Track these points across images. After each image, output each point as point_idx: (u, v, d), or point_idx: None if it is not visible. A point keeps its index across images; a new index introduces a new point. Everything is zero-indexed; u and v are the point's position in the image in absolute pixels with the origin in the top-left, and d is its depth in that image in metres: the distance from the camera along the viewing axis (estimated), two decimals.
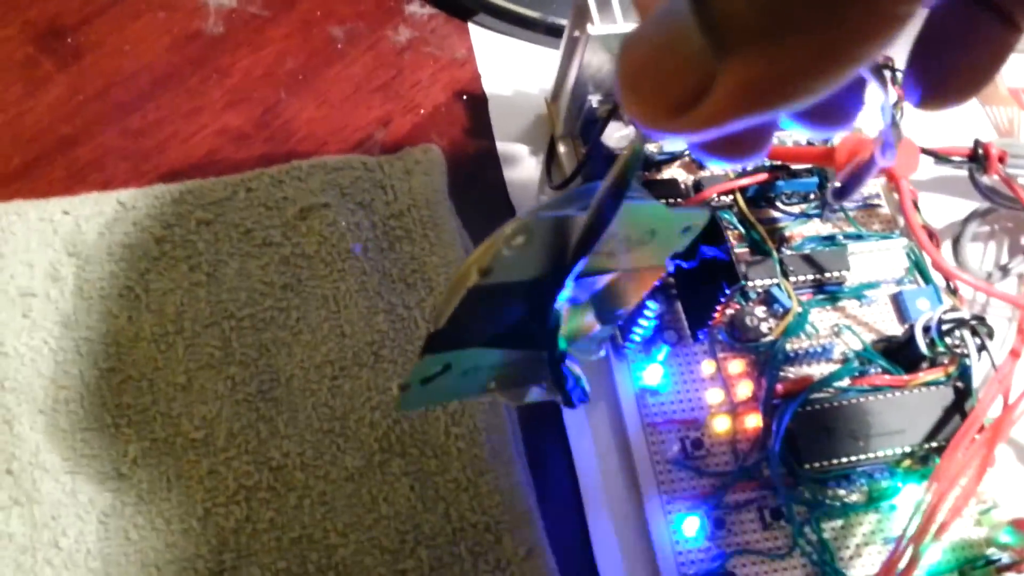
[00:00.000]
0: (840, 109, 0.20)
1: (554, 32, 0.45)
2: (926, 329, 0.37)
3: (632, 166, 0.22)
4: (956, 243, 0.43)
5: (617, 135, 0.38)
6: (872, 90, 0.20)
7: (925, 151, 0.38)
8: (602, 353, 0.32)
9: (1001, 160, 0.38)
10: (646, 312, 0.35)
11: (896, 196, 0.41)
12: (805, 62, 0.15)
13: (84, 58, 0.43)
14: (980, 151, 0.39)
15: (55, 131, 0.41)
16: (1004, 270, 0.43)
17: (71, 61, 0.43)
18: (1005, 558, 0.36)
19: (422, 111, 0.44)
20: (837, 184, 0.33)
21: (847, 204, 0.42)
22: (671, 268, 0.37)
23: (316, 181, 0.39)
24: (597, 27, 0.36)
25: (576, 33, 0.37)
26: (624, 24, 0.36)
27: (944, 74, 0.21)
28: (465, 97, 0.44)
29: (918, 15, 0.15)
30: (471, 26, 0.46)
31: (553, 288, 0.25)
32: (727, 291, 0.34)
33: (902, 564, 0.33)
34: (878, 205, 0.42)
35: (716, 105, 0.16)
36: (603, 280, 0.27)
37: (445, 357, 0.25)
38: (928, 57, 0.21)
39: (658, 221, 0.26)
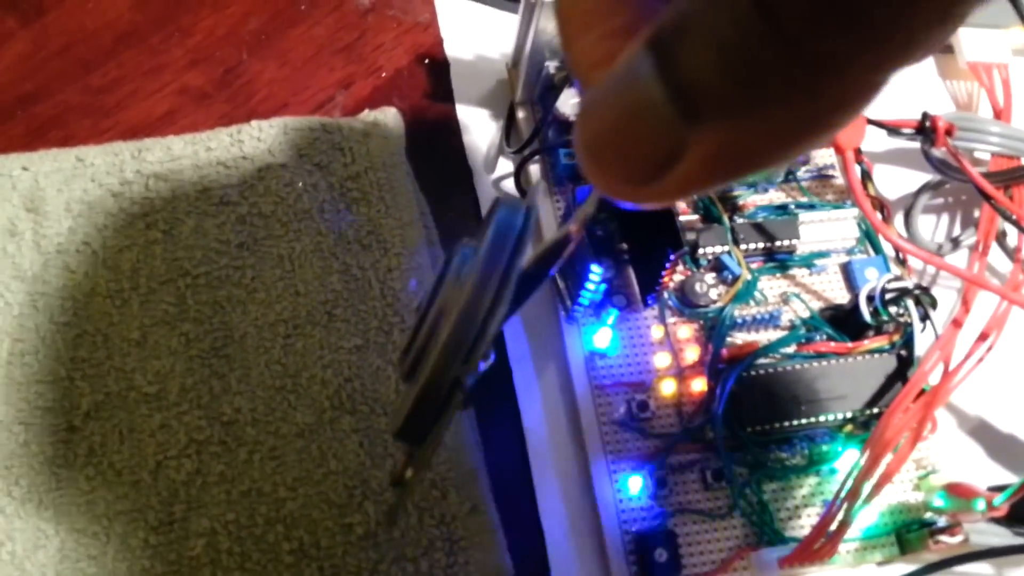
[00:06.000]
0: None
1: None
2: (870, 298, 0.38)
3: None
4: (908, 214, 0.44)
5: (572, 101, 0.39)
6: None
7: (873, 122, 0.39)
8: None
9: (949, 133, 0.39)
10: (591, 276, 0.35)
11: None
12: (781, 133, 0.15)
13: (47, 15, 0.43)
14: (928, 124, 0.39)
15: (16, 88, 0.41)
16: (955, 242, 0.43)
17: (34, 17, 0.43)
18: (941, 521, 0.37)
19: (384, 74, 0.44)
20: None
21: (800, 174, 0.42)
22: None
23: (275, 141, 0.40)
24: None
25: None
26: None
27: None
28: (427, 61, 0.45)
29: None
30: None
31: None
32: (671, 256, 0.35)
33: (834, 525, 0.34)
34: (832, 176, 0.43)
35: (685, 175, 0.15)
36: None
37: None
38: None
39: None
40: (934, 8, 0.13)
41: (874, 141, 0.44)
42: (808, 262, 0.41)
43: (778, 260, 0.41)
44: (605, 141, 0.16)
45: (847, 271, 0.41)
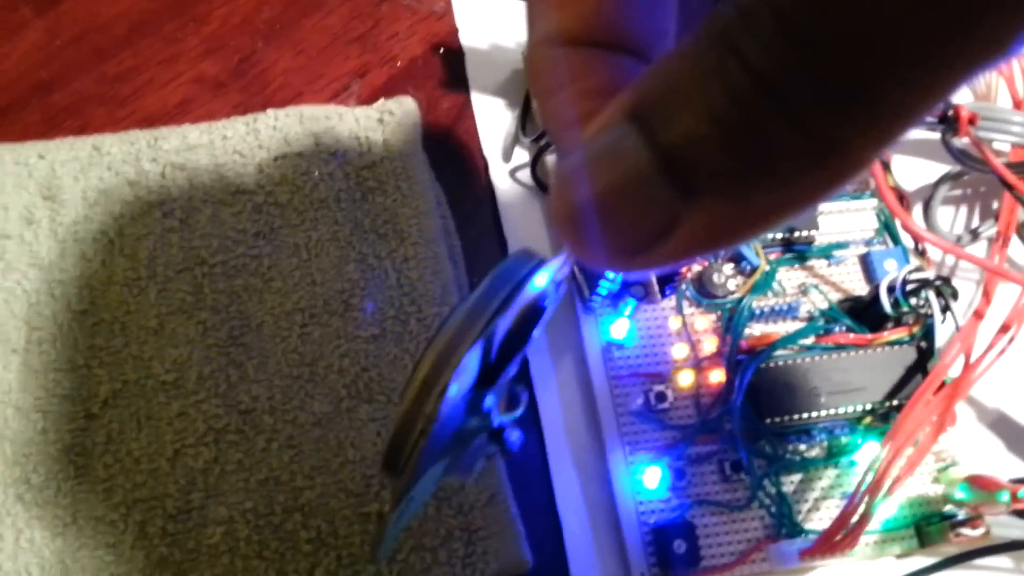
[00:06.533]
0: None
1: None
2: (891, 289, 0.38)
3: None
4: (927, 205, 0.43)
5: None
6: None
7: None
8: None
9: (972, 122, 0.39)
10: None
11: None
12: (779, 204, 0.14)
13: (62, 3, 0.43)
14: (951, 113, 0.39)
15: (31, 76, 0.41)
16: (974, 233, 0.43)
17: (49, 6, 0.43)
18: (961, 514, 0.37)
19: (399, 63, 0.44)
20: None
21: None
22: None
23: (291, 130, 0.40)
24: None
25: None
26: None
27: None
28: (442, 50, 0.44)
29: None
30: None
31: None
32: None
33: (855, 517, 0.34)
34: None
35: (680, 246, 0.15)
36: None
37: (413, 499, 0.23)
38: None
39: None
40: (943, 82, 0.13)
41: None
42: (827, 253, 0.41)
43: (796, 251, 0.40)
44: (588, 214, 0.15)
45: (866, 262, 0.41)
